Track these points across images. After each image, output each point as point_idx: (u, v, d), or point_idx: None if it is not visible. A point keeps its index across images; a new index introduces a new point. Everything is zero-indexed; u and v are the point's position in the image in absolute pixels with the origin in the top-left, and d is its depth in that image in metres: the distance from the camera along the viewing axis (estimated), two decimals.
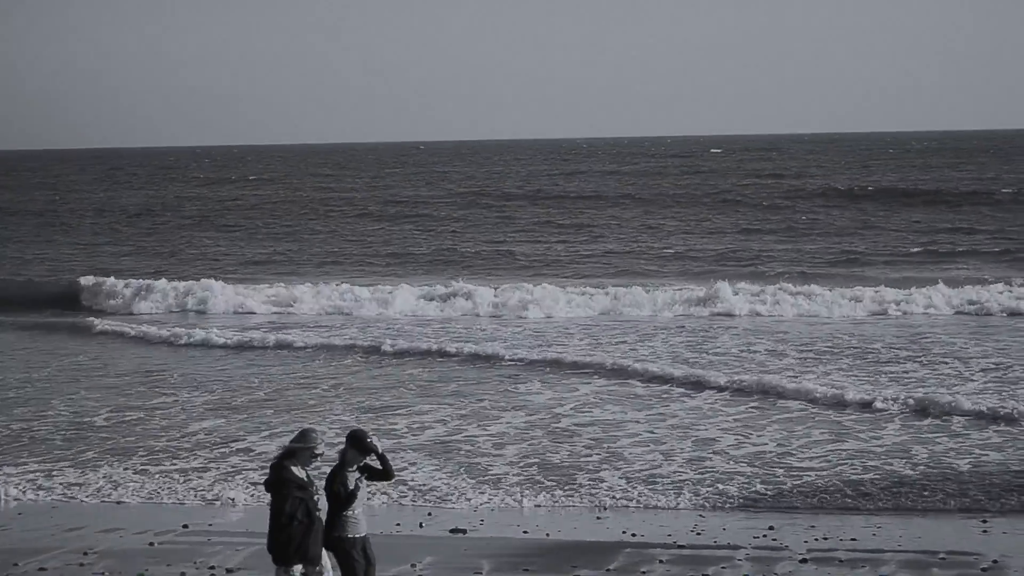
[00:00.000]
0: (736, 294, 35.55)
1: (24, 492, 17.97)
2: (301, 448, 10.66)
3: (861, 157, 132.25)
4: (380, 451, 10.88)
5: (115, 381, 26.67)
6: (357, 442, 10.83)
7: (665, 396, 23.59)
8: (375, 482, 11.22)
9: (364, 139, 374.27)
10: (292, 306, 37.31)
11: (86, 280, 41.37)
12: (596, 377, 25.48)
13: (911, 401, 21.79)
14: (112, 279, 41.20)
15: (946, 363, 25.88)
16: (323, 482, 10.87)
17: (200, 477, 18.57)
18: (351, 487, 10.75)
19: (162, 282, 40.41)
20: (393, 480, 11.84)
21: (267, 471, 10.94)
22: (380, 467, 10.97)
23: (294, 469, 10.60)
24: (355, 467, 10.85)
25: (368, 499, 11.35)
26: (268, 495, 10.74)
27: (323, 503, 10.71)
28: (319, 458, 10.73)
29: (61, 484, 18.34)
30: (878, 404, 21.74)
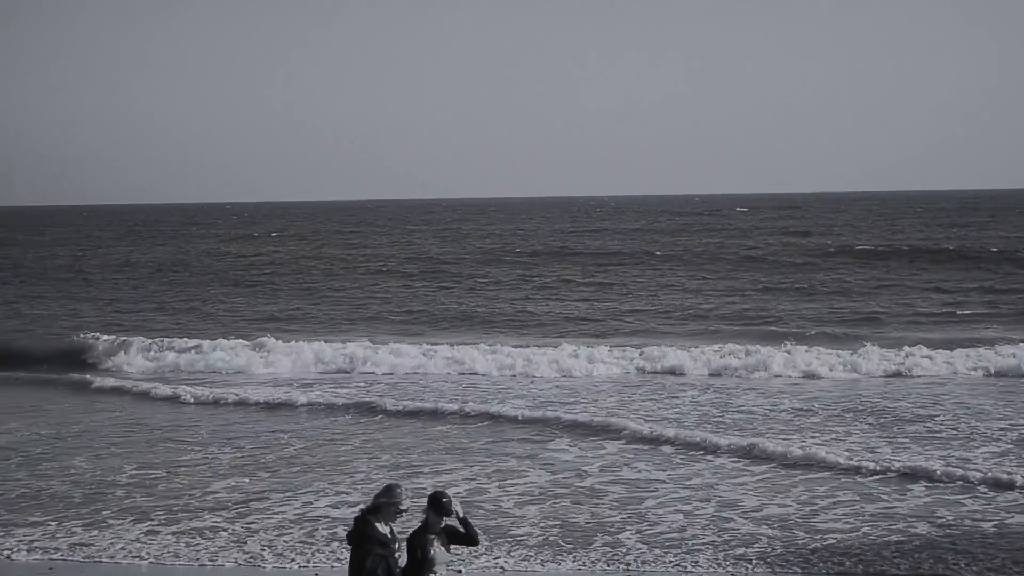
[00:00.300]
0: (758, 353, 35.46)
1: (31, 552, 17.97)
2: (385, 503, 10.65)
3: (889, 216, 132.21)
4: (461, 515, 10.88)
5: (142, 438, 26.74)
6: (435, 503, 10.86)
7: (690, 455, 23.55)
8: (460, 546, 11.21)
9: (391, 196, 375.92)
10: (317, 363, 37.40)
11: (106, 338, 41.44)
12: (622, 436, 25.42)
13: (934, 463, 21.73)
14: (140, 338, 41.28)
15: (970, 424, 25.79)
16: (406, 540, 10.86)
17: (218, 536, 18.60)
18: (428, 551, 10.74)
19: (184, 340, 40.71)
20: (479, 545, 11.80)
21: (350, 523, 10.95)
22: (463, 531, 10.97)
23: (378, 525, 10.56)
24: (438, 530, 10.85)
25: (451, 565, 11.30)
26: (349, 549, 10.72)
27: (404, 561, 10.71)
28: (403, 514, 10.70)
29: (75, 544, 18.33)
30: (901, 466, 21.66)
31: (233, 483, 21.99)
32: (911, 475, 21.19)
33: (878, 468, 21.65)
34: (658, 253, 79.67)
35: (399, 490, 10.76)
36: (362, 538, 10.48)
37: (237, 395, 32.02)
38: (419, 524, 10.96)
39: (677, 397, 30.59)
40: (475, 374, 35.60)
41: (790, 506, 19.65)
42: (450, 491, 20.68)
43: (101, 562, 17.50)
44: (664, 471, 22.33)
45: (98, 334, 42.18)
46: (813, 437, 24.70)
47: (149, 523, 19.38)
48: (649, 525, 18.67)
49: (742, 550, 17.30)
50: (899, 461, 21.97)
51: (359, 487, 21.31)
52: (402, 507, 10.67)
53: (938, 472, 21.13)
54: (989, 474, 20.91)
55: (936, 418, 26.62)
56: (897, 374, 33.46)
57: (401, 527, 10.97)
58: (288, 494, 21.04)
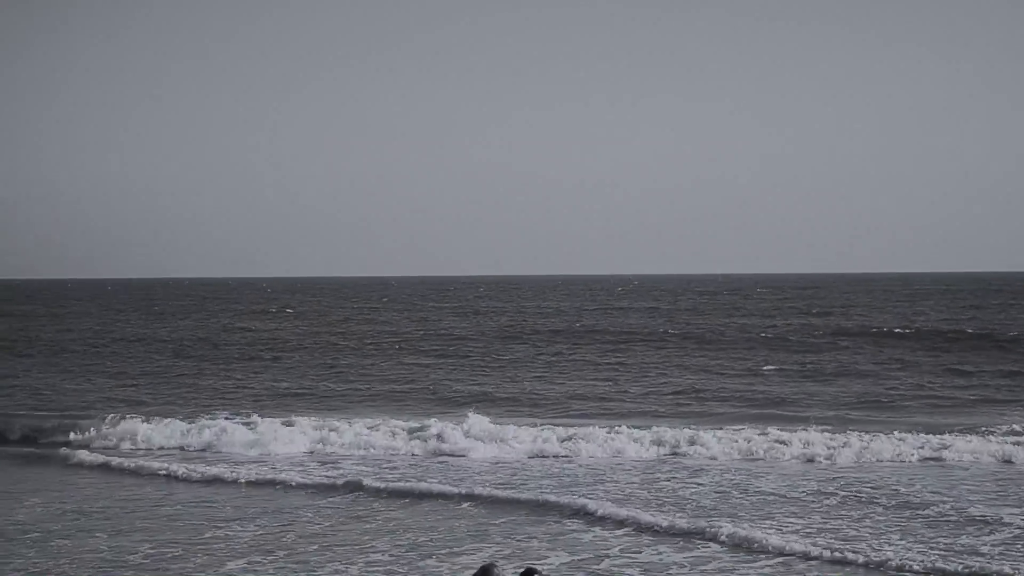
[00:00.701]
0: (777, 435, 35.50)
1: None
2: None
3: (909, 297, 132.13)
4: None
5: (164, 514, 26.78)
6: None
7: (708, 535, 23.52)
8: None
9: (416, 273, 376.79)
10: (338, 440, 37.29)
11: (129, 416, 41.31)
12: (641, 519, 25.33)
13: (948, 559, 21.69)
14: (174, 420, 40.95)
15: (984, 511, 25.69)
16: None
17: None
18: None
19: (206, 418, 40.91)
20: None
21: None
22: None
23: None
24: None
25: None
26: None
27: None
28: None
29: None
30: (915, 564, 21.59)
31: (247, 563, 22.01)
32: (927, 572, 21.04)
33: (893, 559, 21.59)
34: (672, 332, 79.82)
35: (496, 570, 10.74)
36: None
37: (259, 473, 32.11)
38: None
39: (697, 478, 30.59)
40: (506, 454, 35.52)
41: None
42: (466, 573, 20.73)
43: None
44: (682, 554, 22.33)
45: (123, 414, 42.09)
46: (826, 521, 24.71)
47: None
48: None
49: None
50: (915, 556, 21.92)
51: (374, 568, 21.33)
52: None
53: (959, 570, 21.04)
54: (1007, 568, 20.85)
55: (953, 504, 26.50)
56: (916, 459, 33.31)
57: None
58: (301, 575, 21.07)
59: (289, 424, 39.10)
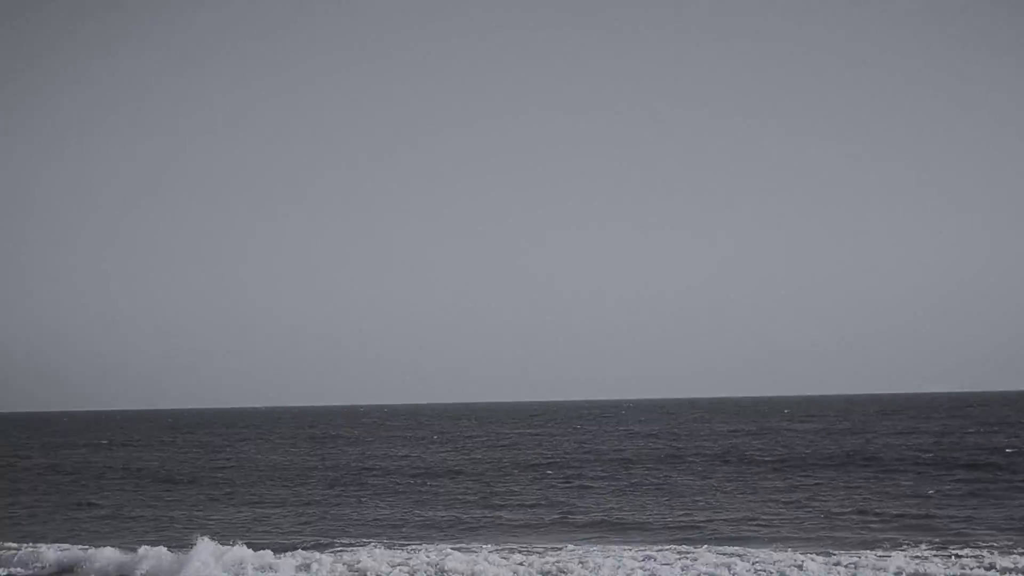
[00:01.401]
0: (948, 558, 33.42)
1: None
2: None
3: None
4: None
5: None
6: None
7: None
8: None
9: (567, 398, 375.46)
10: (464, 572, 35.83)
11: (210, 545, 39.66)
12: None
13: None
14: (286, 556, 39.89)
15: None
16: None
17: None
18: None
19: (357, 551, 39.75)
20: None
21: None
22: None
23: None
24: None
25: None
26: None
27: None
28: None
29: None
30: None
31: None
32: None
33: None
34: (837, 452, 77.41)
35: None
36: None
37: None
38: None
39: None
40: None
41: None
42: None
43: None
44: None
45: (246, 542, 41.17)
46: None
47: None
48: None
49: None
50: None
51: None
52: None
53: None
54: None
55: None
56: None
57: None
58: None
59: (404, 554, 38.01)
